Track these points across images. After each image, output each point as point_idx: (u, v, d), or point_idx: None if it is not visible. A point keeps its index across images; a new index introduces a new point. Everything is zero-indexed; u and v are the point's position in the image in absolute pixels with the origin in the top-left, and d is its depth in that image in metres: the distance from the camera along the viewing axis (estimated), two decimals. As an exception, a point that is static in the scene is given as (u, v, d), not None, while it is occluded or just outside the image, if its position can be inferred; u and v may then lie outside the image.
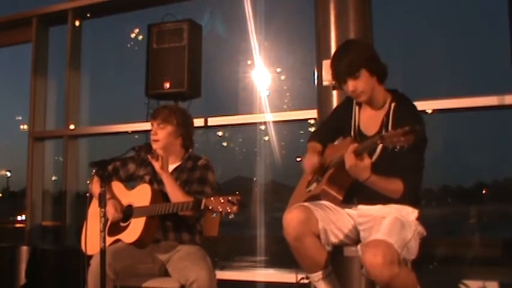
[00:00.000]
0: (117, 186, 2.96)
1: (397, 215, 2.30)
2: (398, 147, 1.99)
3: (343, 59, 2.37)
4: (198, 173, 2.91)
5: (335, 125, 2.67)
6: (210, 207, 2.47)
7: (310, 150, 2.63)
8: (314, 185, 2.55)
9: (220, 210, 2.44)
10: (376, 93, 2.43)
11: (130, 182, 3.04)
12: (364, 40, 2.56)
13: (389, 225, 2.21)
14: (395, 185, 2.26)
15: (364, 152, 2.20)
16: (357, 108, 2.55)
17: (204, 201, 2.50)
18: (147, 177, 2.95)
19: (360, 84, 2.37)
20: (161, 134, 2.91)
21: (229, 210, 2.43)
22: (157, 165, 2.80)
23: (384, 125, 2.38)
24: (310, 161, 2.56)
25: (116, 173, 3.00)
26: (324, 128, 2.80)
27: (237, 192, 2.49)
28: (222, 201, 2.44)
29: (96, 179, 2.86)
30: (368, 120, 2.49)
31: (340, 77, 2.41)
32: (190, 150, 3.03)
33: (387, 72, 2.43)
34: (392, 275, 2.08)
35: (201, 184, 2.87)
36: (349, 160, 2.20)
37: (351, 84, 2.38)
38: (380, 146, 2.30)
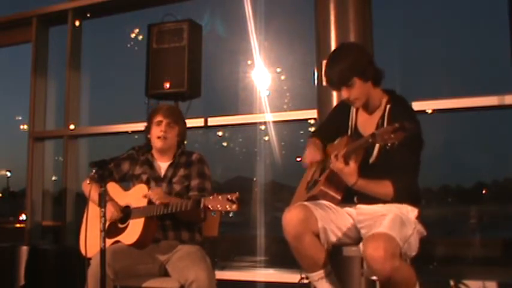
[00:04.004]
0: (112, 187, 2.94)
1: (398, 212, 2.31)
2: (389, 144, 2.01)
3: (334, 68, 2.39)
4: (195, 167, 2.93)
5: (334, 125, 2.68)
6: (210, 206, 2.46)
7: (312, 145, 2.64)
8: (317, 178, 2.56)
9: (220, 208, 2.43)
10: (372, 96, 2.44)
11: (124, 182, 3.03)
12: (357, 44, 2.55)
13: (391, 221, 2.22)
14: (385, 188, 2.28)
15: (351, 155, 2.22)
16: (354, 108, 2.55)
17: (203, 200, 2.50)
18: (144, 177, 2.95)
19: (354, 92, 2.39)
20: (171, 133, 2.93)
21: (228, 209, 2.42)
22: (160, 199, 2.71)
23: (379, 126, 2.39)
24: (311, 155, 2.58)
25: (110, 175, 2.97)
26: (323, 128, 2.81)
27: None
28: (221, 199, 2.43)
29: (91, 182, 2.87)
30: (365, 121, 2.50)
31: (333, 85, 2.45)
32: (182, 146, 3.05)
33: (383, 75, 2.44)
34: (393, 268, 2.09)
35: (201, 179, 2.89)
36: (336, 165, 2.25)
37: (344, 92, 2.41)
38: (377, 148, 2.31)
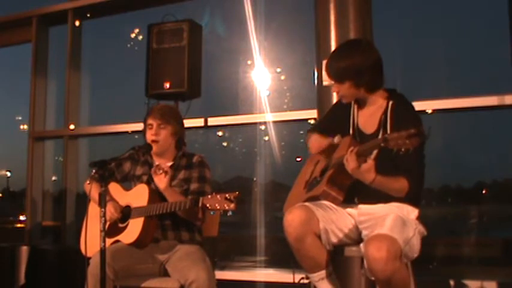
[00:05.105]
0: (114, 187, 2.94)
1: (398, 213, 2.30)
2: (403, 149, 1.98)
3: (332, 65, 2.41)
4: (195, 171, 2.91)
5: (334, 121, 2.66)
6: (208, 205, 2.46)
7: (315, 135, 2.63)
8: (317, 177, 2.54)
9: (218, 207, 2.44)
10: (367, 96, 2.44)
11: (125, 182, 3.02)
12: (367, 45, 2.49)
13: (392, 222, 2.21)
14: (401, 184, 2.25)
15: (365, 154, 2.20)
16: (355, 106, 2.55)
17: (201, 199, 2.50)
18: (144, 177, 2.94)
19: (343, 90, 2.42)
20: (162, 135, 2.90)
21: (227, 208, 2.43)
22: (162, 183, 2.74)
23: (382, 123, 2.38)
24: (317, 142, 2.58)
25: (111, 175, 2.96)
26: (323, 124, 2.79)
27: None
28: (220, 198, 2.43)
29: (91, 182, 2.87)
30: (366, 118, 2.49)
31: (328, 77, 2.47)
32: (183, 147, 3.03)
33: (380, 84, 2.42)
34: (394, 269, 2.09)
35: (201, 183, 2.88)
36: (351, 163, 2.19)
37: (335, 87, 2.46)
38: None
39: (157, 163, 2.86)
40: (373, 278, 2.21)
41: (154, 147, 2.91)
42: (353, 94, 2.43)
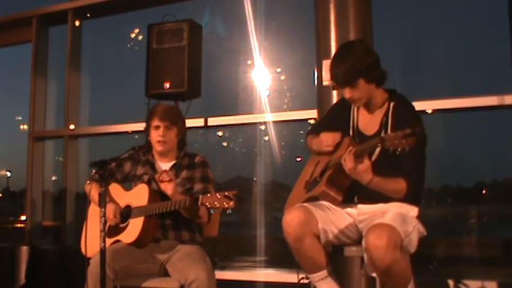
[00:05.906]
0: (114, 188, 2.94)
1: (399, 210, 2.30)
2: (399, 149, 1.99)
3: (340, 67, 2.37)
4: (198, 171, 2.92)
5: (333, 123, 2.65)
6: (207, 204, 2.46)
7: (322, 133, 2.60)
8: (317, 177, 2.54)
9: (218, 206, 2.43)
10: (374, 96, 2.43)
11: (126, 182, 3.02)
12: (364, 43, 2.51)
13: (393, 216, 2.22)
14: (399, 185, 2.25)
15: (363, 154, 2.20)
16: (355, 108, 2.55)
17: (201, 197, 2.50)
18: (145, 177, 2.94)
19: (357, 92, 2.38)
20: (169, 136, 2.91)
21: (226, 206, 2.42)
22: (169, 189, 2.73)
23: (383, 125, 2.38)
24: (331, 136, 2.53)
25: (112, 175, 2.96)
26: (321, 126, 2.79)
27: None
28: (219, 197, 2.43)
29: (91, 182, 2.87)
30: (367, 120, 2.49)
31: (338, 83, 2.42)
32: (185, 147, 3.03)
33: (386, 77, 2.42)
34: (394, 258, 2.08)
35: (204, 183, 2.89)
36: (348, 163, 2.20)
37: (347, 92, 2.40)
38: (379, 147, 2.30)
39: (161, 170, 2.85)
40: (373, 274, 2.21)
41: (161, 148, 2.91)
42: (367, 93, 2.39)
